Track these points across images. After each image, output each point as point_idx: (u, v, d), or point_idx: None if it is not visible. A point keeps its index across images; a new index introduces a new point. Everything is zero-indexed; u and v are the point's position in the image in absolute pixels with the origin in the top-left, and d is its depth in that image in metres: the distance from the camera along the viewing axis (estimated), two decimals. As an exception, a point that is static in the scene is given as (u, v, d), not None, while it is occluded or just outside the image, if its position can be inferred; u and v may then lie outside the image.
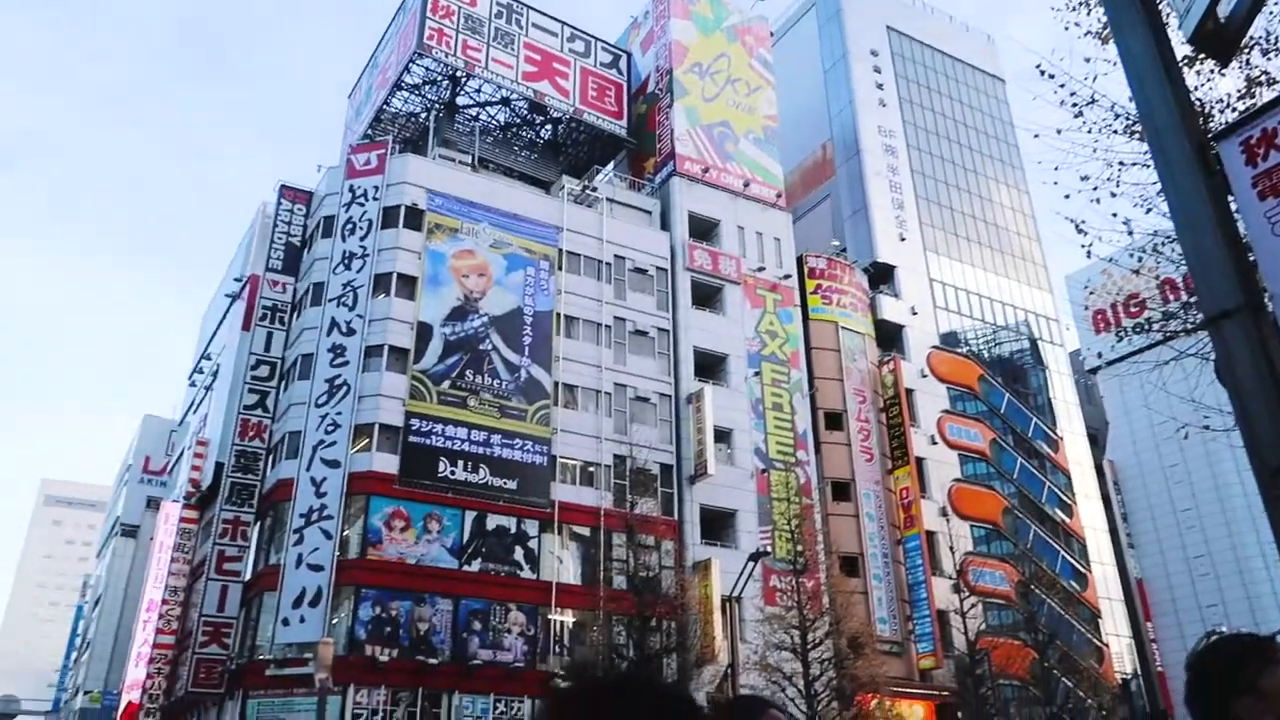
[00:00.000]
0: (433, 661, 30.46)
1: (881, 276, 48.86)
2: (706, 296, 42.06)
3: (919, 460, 42.87)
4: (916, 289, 49.25)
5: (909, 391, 44.42)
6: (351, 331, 34.19)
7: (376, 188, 36.98)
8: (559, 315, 37.84)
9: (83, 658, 65.82)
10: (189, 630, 35.32)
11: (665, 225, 42.92)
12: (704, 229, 43.52)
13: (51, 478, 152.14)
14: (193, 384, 53.86)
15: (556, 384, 36.66)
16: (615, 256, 40.42)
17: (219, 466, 36.82)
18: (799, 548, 31.57)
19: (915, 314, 48.00)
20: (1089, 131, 9.07)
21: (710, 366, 40.57)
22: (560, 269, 38.72)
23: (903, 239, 50.09)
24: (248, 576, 33.37)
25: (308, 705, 27.87)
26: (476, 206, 37.96)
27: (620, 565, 32.39)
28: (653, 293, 40.90)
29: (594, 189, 42.77)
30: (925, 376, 46.00)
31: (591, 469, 36.18)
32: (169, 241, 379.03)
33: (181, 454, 50.35)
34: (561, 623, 33.35)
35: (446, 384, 34.41)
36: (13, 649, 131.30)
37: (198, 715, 33.98)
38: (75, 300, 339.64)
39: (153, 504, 58.33)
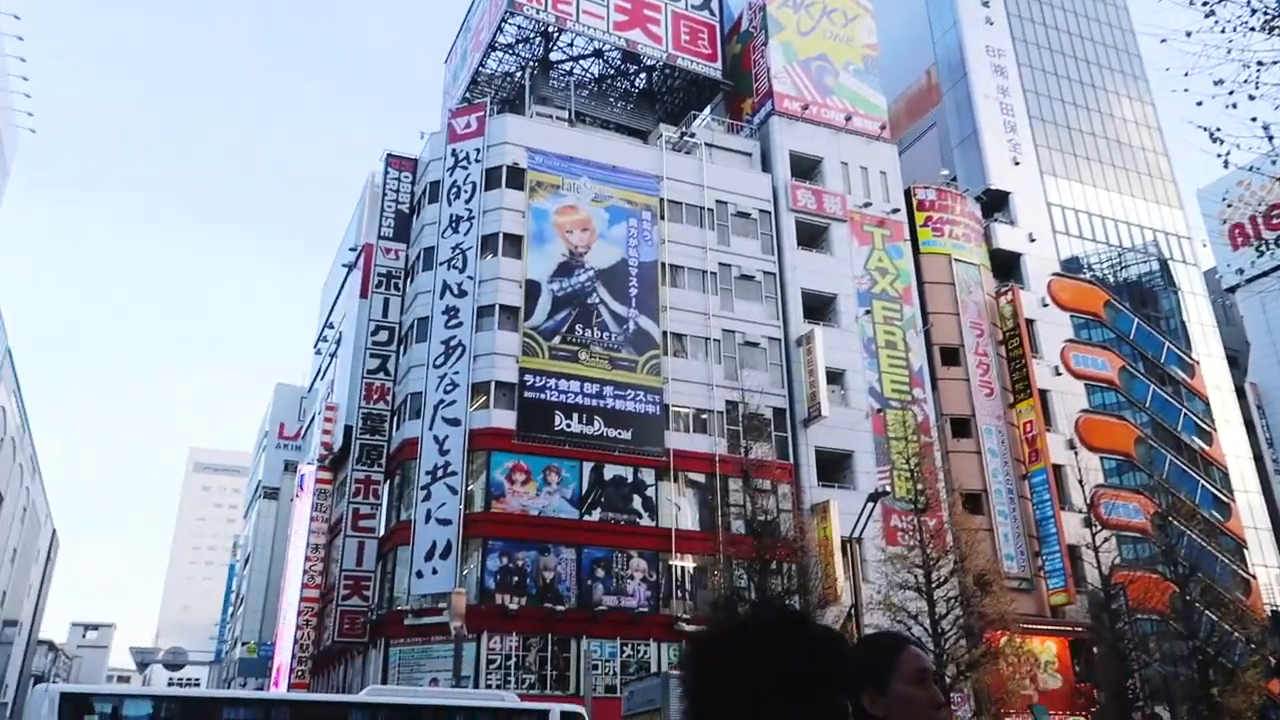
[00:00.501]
0: (560, 608, 31.44)
1: (995, 204, 46.96)
2: (812, 236, 41.33)
3: (1042, 392, 41.42)
4: (1033, 215, 47.16)
5: (1029, 322, 42.82)
6: (463, 293, 35.05)
7: (478, 150, 37.52)
8: (664, 265, 37.86)
9: (238, 612, 70.51)
10: (331, 584, 37.36)
11: (766, 167, 42.21)
12: (806, 168, 42.63)
13: (198, 446, 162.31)
14: (318, 352, 56.32)
15: (665, 333, 36.82)
16: (717, 202, 40.06)
17: (348, 429, 38.54)
18: (919, 486, 31.05)
19: (1033, 241, 46.04)
20: (1222, 31, 8.45)
21: (819, 308, 39.98)
22: (662, 218, 38.63)
23: (1016, 163, 47.92)
24: (382, 532, 34.98)
25: (445, 652, 29.24)
26: (576, 161, 38.12)
27: (738, 510, 32.57)
28: (757, 236, 40.42)
29: (692, 135, 42.34)
30: (1046, 305, 44.24)
31: (704, 416, 36.34)
32: (288, 217, 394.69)
33: (313, 419, 52.88)
34: (682, 568, 33.87)
35: (557, 339, 34.99)
36: (176, 607, 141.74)
37: (345, 663, 36.04)
38: (206, 278, 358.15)
39: (290, 467, 61.58)
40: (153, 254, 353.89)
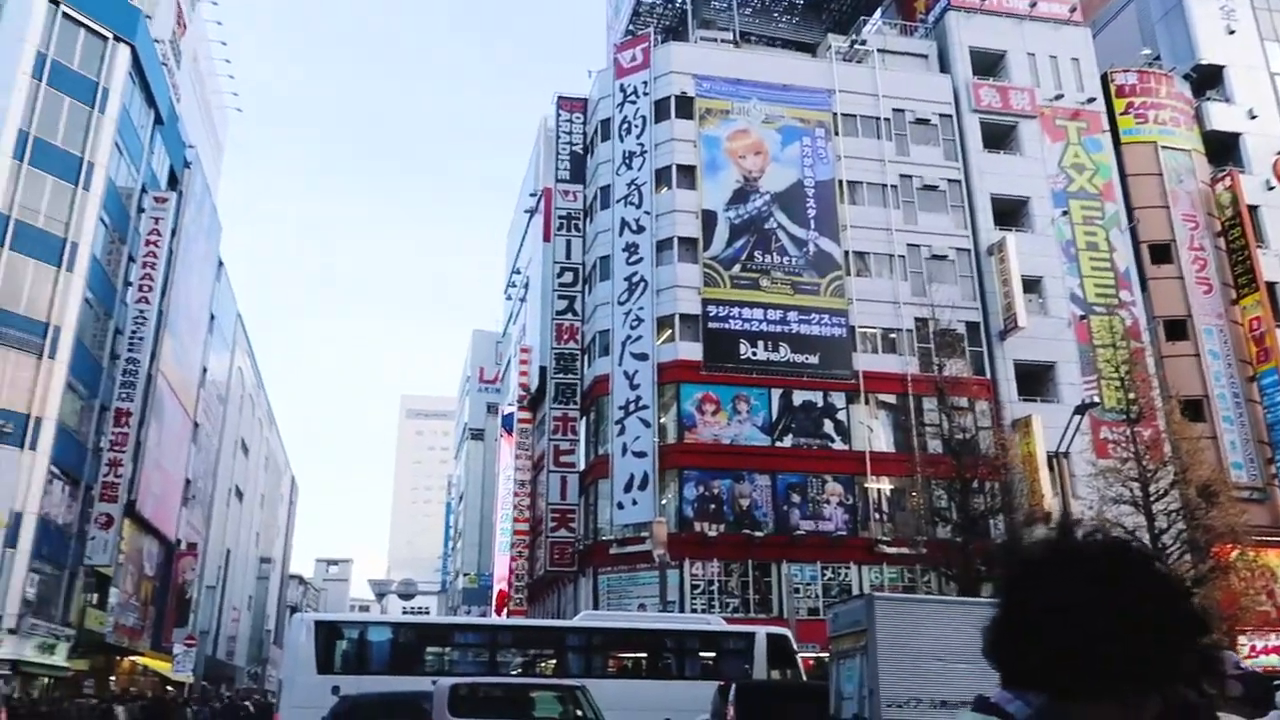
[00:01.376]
0: (758, 534, 31.92)
1: (1207, 81, 42.41)
2: (999, 137, 38.92)
3: (1270, 285, 37.61)
4: (1253, 89, 42.24)
5: (1252, 209, 38.78)
6: (641, 228, 35.46)
7: (645, 83, 37.48)
8: (841, 182, 36.79)
9: (457, 546, 75.78)
10: (539, 517, 39.46)
11: (945, 67, 39.92)
12: (989, 63, 39.99)
13: (409, 393, 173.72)
14: (508, 297, 58.73)
15: (847, 253, 35.95)
16: (894, 110, 38.35)
17: (542, 370, 40.19)
18: (1131, 395, 29.13)
19: (1253, 118, 41.35)
20: None
21: (1010, 213, 37.79)
22: (836, 134, 37.44)
23: (1231, 32, 42.93)
24: (582, 467, 36.49)
25: (650, 579, 30.42)
26: (744, 84, 37.40)
27: (933, 430, 31.76)
28: (938, 143, 38.50)
29: (863, 42, 40.52)
30: (1272, 189, 39.88)
31: (893, 335, 35.43)
32: (471, 169, 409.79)
33: (509, 362, 55.43)
34: (879, 490, 33.51)
35: (737, 267, 34.89)
36: (402, 543, 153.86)
37: (558, 590, 38.18)
38: (399, 235, 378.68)
39: (492, 409, 65.01)
40: (347, 214, 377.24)
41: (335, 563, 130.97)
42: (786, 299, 34.75)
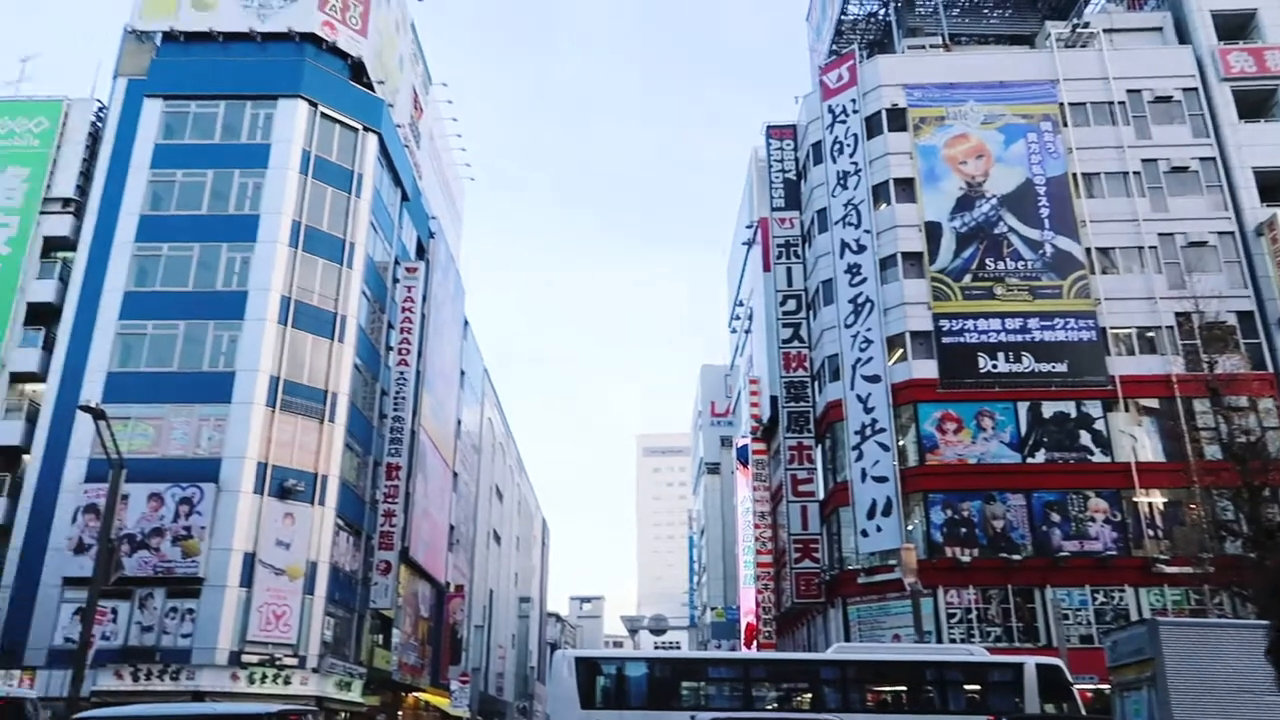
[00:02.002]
0: (1016, 557, 30.06)
1: None
2: (1257, 104, 35.09)
3: None
4: None
5: None
6: (862, 248, 34.78)
7: (854, 100, 36.96)
8: (1075, 175, 34.46)
9: (702, 580, 76.44)
10: (782, 549, 39.16)
11: (1183, 38, 36.62)
12: (1236, 26, 36.30)
13: (644, 432, 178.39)
14: (733, 330, 59.18)
15: (1089, 250, 33.53)
16: (1128, 92, 35.57)
17: (773, 399, 40.11)
18: None
19: None
20: None
21: (1278, 186, 33.85)
22: (1065, 125, 35.17)
23: None
24: (821, 495, 35.93)
25: (902, 608, 29.37)
26: (957, 87, 36.03)
27: (1209, 434, 28.71)
28: (1184, 120, 35.25)
29: (1085, 25, 37.94)
30: None
31: (1150, 334, 32.55)
32: (679, 209, 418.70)
33: (738, 395, 55.70)
34: (1150, 504, 30.66)
35: (967, 278, 33.41)
36: (650, 578, 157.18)
37: (807, 622, 37.60)
38: (619, 278, 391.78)
39: (725, 442, 65.43)
40: (567, 264, 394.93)
41: (588, 600, 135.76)
42: (1025, 306, 32.81)
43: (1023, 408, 31.78)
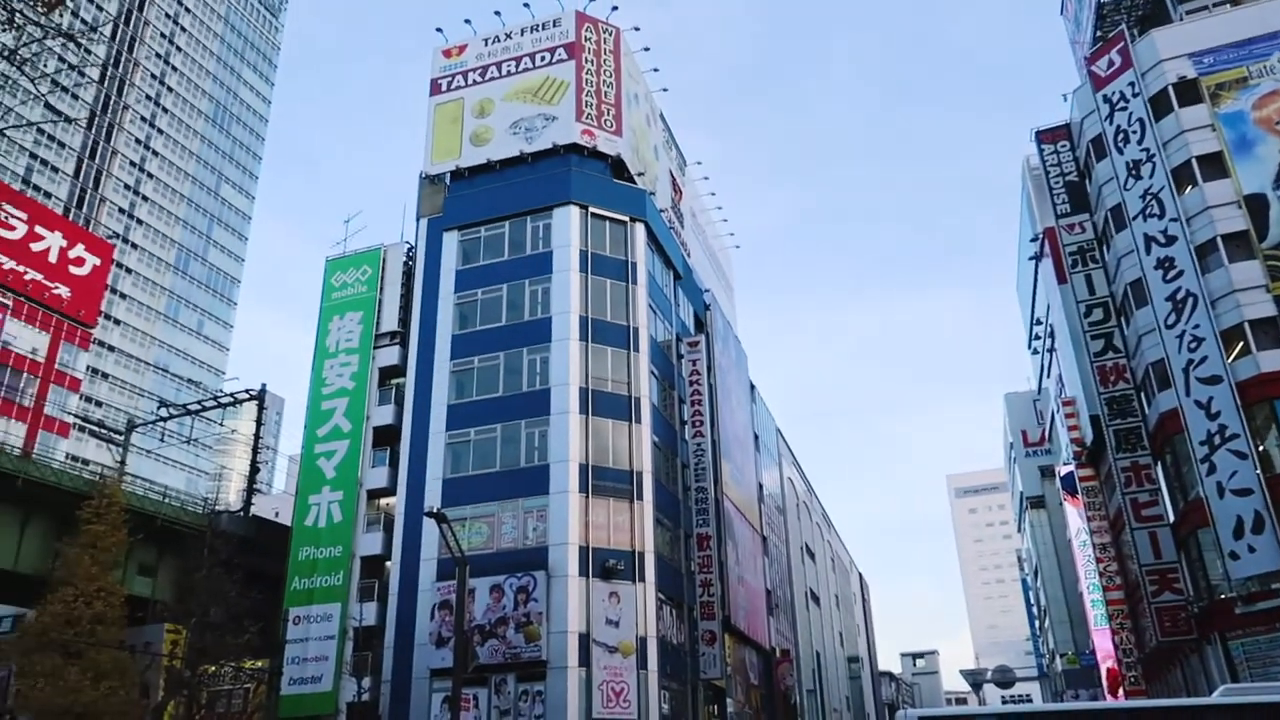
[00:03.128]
0: None
1: None
2: None
3: None
4: None
5: None
6: (1171, 239, 31.32)
7: (1131, 84, 33.85)
8: None
9: (1045, 624, 70.32)
10: (1133, 582, 35.22)
11: None
12: None
13: (953, 472, 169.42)
14: (1034, 352, 55.11)
15: None
16: None
17: (1093, 419, 36.66)
18: None
19: None
20: None
21: None
22: None
23: None
24: (1171, 518, 32.07)
25: (1299, 637, 25.22)
26: (1256, 42, 32.00)
27: None
28: None
29: None
30: None
31: None
32: (944, 238, 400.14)
33: (1052, 419, 51.50)
34: None
35: (1312, 250, 28.99)
36: (983, 627, 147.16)
37: (1180, 663, 33.32)
38: (896, 320, 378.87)
39: (1045, 472, 60.47)
40: (838, 310, 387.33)
41: (920, 655, 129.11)
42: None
43: None
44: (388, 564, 35.07)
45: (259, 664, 33.28)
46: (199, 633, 31.08)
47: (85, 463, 55.02)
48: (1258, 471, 27.60)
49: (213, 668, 32.42)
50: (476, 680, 29.70)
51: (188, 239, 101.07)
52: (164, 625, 33.95)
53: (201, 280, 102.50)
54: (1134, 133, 33.40)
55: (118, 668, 30.08)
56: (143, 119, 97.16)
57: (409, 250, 40.61)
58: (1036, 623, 77.86)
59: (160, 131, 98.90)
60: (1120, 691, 37.46)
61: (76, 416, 52.63)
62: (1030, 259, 47.66)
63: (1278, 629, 26.52)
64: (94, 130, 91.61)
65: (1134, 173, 33.10)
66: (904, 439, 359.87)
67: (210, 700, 34.56)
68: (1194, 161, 31.64)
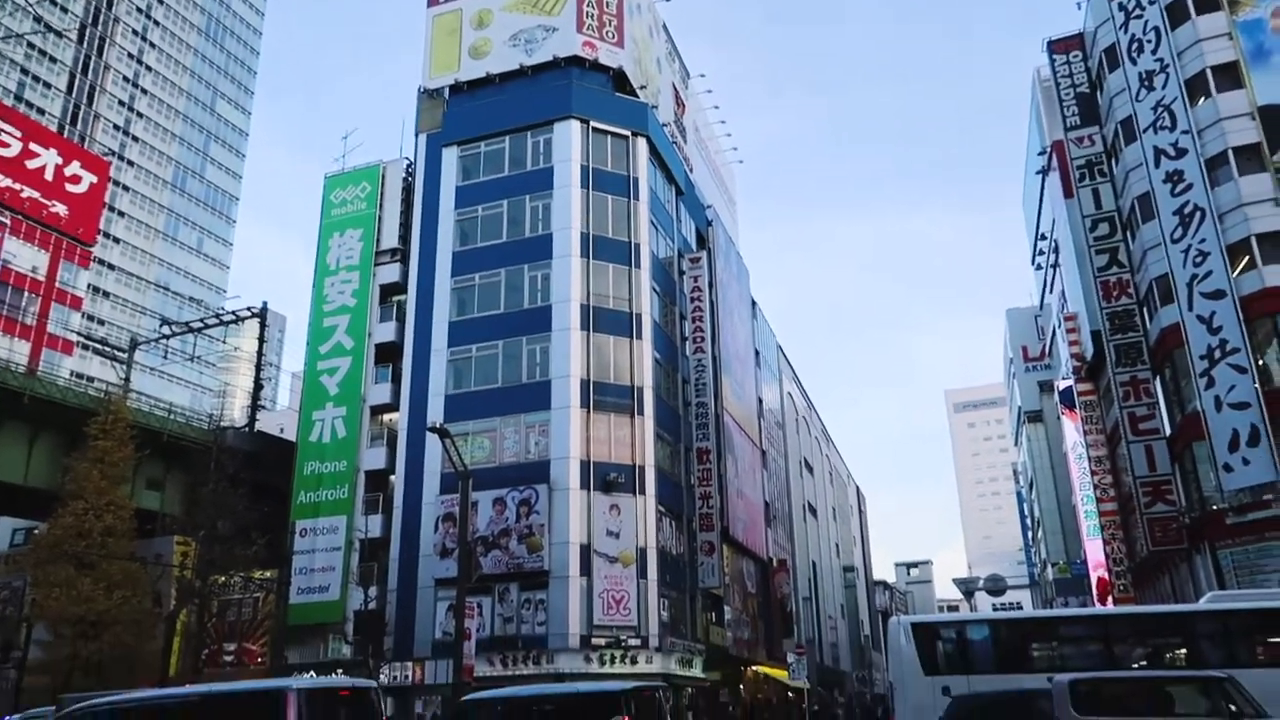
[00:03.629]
0: None
1: None
2: None
3: None
4: None
5: None
6: (1182, 151, 30.84)
7: (1146, -8, 32.87)
8: None
9: (1038, 535, 71.68)
10: (1127, 494, 35.73)
11: None
12: None
13: (953, 387, 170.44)
14: (1038, 267, 54.86)
15: None
16: None
17: (1094, 335, 36.71)
18: None
19: None
20: None
21: None
22: None
23: None
24: (1167, 431, 32.37)
25: (1288, 547, 25.72)
26: (1279, -55, 30.92)
27: None
28: None
29: None
30: None
31: None
32: (953, 153, 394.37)
33: (1053, 335, 51.57)
34: None
35: (1322, 162, 28.55)
36: (978, 538, 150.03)
37: (1169, 571, 34.04)
38: (904, 237, 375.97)
39: (1045, 387, 60.81)
40: (844, 219, 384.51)
41: (914, 565, 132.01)
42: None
43: None
44: (392, 478, 35.59)
45: (267, 574, 34.05)
46: (208, 544, 31.75)
47: (90, 380, 55.35)
48: (1256, 385, 27.74)
49: (222, 578, 33.20)
50: (480, 589, 30.43)
51: (185, 156, 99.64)
52: (174, 538, 34.64)
53: (200, 198, 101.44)
54: (1149, 41, 32.59)
55: (129, 578, 30.85)
56: (134, 32, 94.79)
57: (408, 166, 40.11)
58: (1030, 534, 79.32)
59: (153, 45, 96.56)
60: (1109, 599, 38.38)
61: (79, 334, 52.78)
62: (1037, 173, 47.06)
63: (1266, 539, 26.99)
64: (85, 44, 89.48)
65: (1146, 83, 32.41)
66: (905, 354, 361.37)
67: (221, 609, 35.51)
68: (1208, 72, 30.94)
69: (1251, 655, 19.01)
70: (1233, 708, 13.72)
